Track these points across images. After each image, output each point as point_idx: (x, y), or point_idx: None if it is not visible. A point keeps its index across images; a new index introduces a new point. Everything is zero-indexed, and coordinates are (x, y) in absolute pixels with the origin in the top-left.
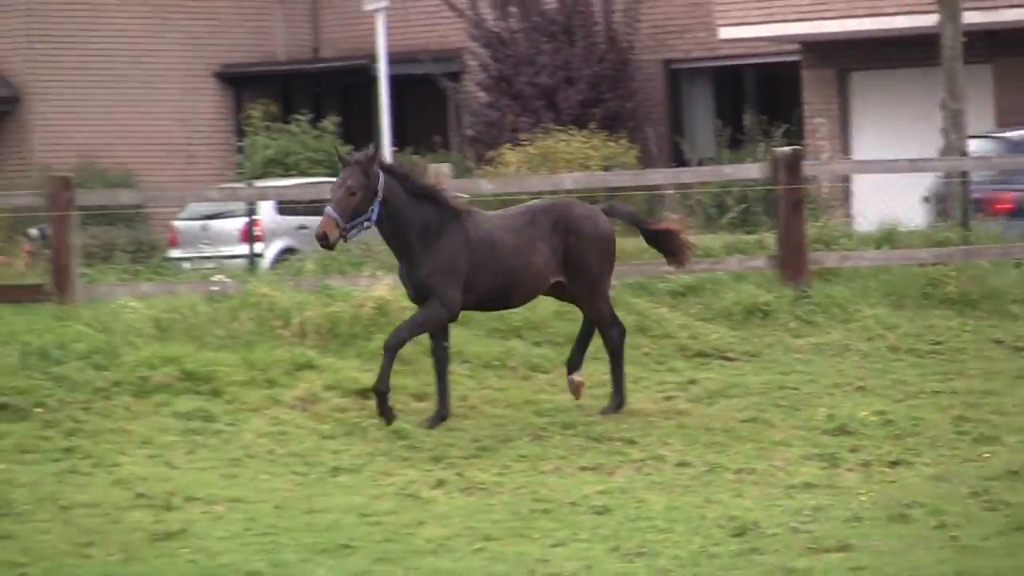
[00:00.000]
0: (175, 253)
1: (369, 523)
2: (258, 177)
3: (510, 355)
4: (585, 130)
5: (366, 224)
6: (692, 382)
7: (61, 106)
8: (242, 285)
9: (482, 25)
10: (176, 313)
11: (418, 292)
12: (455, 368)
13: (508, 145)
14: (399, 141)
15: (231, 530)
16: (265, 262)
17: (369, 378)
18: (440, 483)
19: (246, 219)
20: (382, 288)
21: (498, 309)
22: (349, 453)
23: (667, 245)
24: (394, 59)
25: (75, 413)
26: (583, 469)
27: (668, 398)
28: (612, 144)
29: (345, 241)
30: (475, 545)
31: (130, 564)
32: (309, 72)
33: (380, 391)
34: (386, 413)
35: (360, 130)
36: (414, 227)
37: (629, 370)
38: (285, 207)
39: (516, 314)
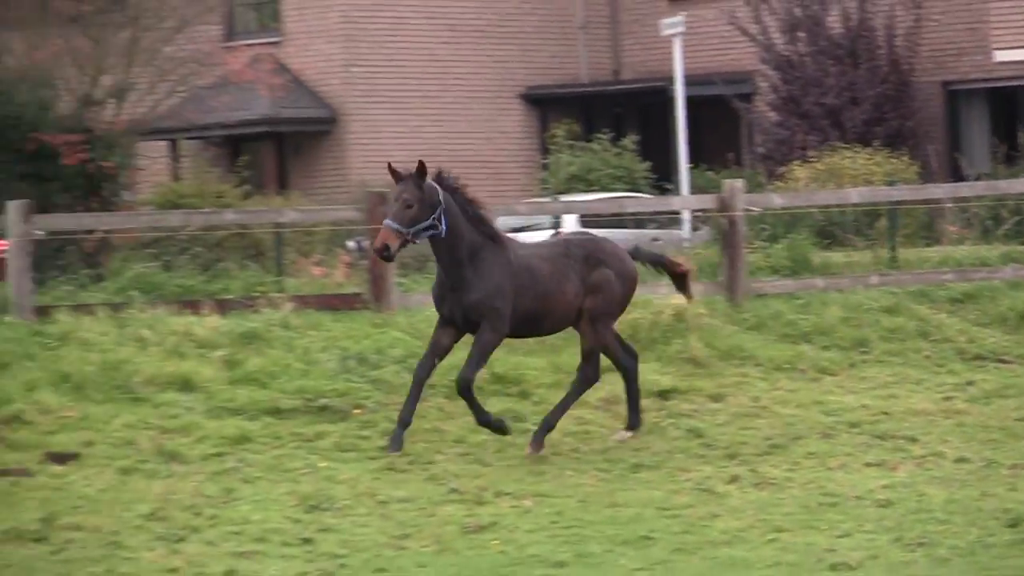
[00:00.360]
0: None
1: (668, 516)
2: (562, 192)
3: (800, 359)
4: (869, 148)
5: (432, 232)
6: (970, 383)
7: (376, 126)
8: None
9: (772, 49)
10: None
11: (467, 316)
12: (749, 371)
13: (797, 162)
14: (694, 158)
15: (538, 523)
16: None
17: (669, 380)
18: (734, 479)
19: (552, 232)
20: (679, 297)
21: (529, 336)
22: (649, 451)
23: (680, 285)
24: (690, 81)
25: (391, 414)
26: (868, 465)
27: (947, 398)
28: (894, 161)
29: (413, 243)
30: (767, 536)
31: (443, 555)
32: (610, 93)
33: (482, 422)
34: (495, 425)
35: (657, 148)
36: (466, 245)
37: (911, 372)
38: (587, 220)
39: (805, 320)
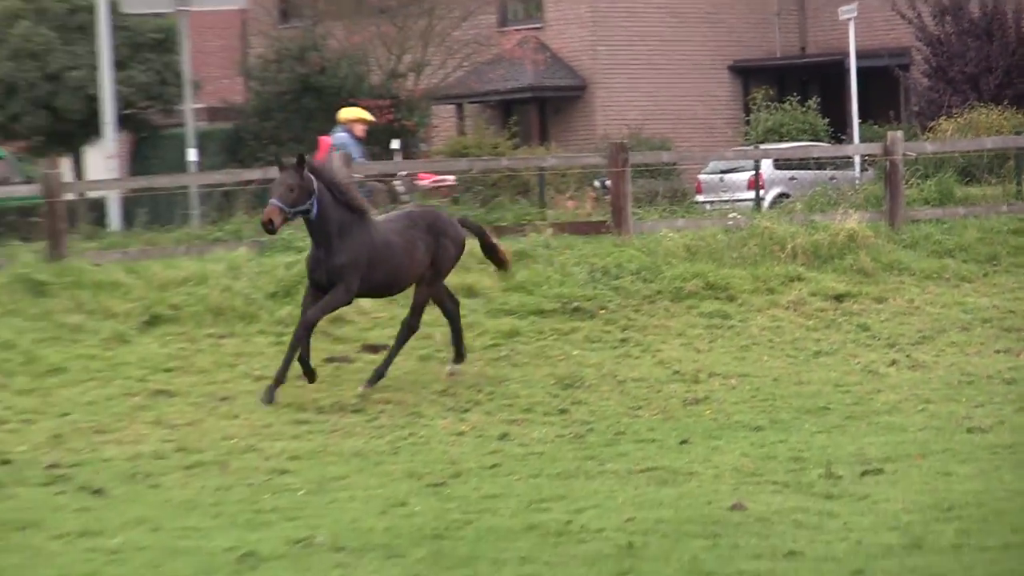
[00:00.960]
0: (700, 198)
1: (841, 391)
2: (760, 142)
3: (944, 269)
4: (1000, 106)
5: (306, 213)
6: None
7: (616, 93)
8: (750, 221)
9: (925, 30)
10: (701, 241)
11: (330, 278)
12: (905, 279)
13: (944, 118)
14: (863, 115)
15: (741, 396)
16: (765, 204)
17: (843, 287)
18: (893, 362)
19: (752, 173)
20: (851, 222)
21: (381, 297)
22: (827, 341)
23: (493, 257)
24: (860, 55)
25: (628, 314)
26: (997, 352)
27: None
28: (1020, 116)
29: (290, 219)
30: (918, 407)
31: (668, 422)
32: (798, 65)
33: (301, 359)
34: (308, 374)
35: (834, 108)
36: (335, 223)
37: None
38: (780, 163)
39: (949, 239)
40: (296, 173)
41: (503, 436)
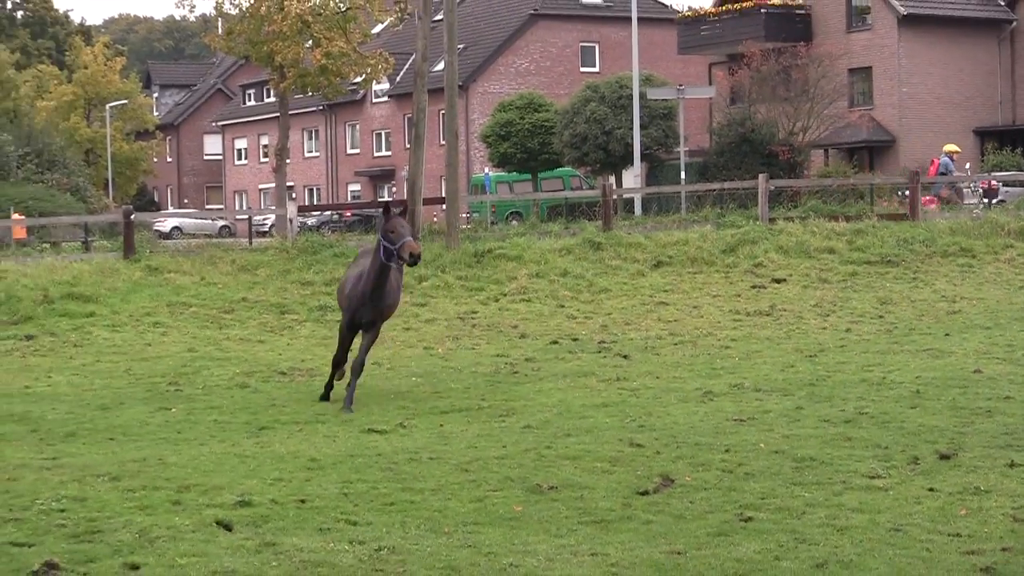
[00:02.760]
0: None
1: None
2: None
3: None
4: None
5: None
6: None
7: (911, 143)
8: (984, 214)
9: None
10: (958, 225)
11: (374, 318)
12: None
13: None
14: None
15: (979, 310)
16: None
17: None
18: None
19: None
20: None
21: None
22: None
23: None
24: None
25: (917, 263)
26: None
27: None
28: None
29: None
30: None
31: (936, 324)
32: (1012, 129)
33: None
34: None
35: None
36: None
37: None
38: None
39: None
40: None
41: (850, 327)
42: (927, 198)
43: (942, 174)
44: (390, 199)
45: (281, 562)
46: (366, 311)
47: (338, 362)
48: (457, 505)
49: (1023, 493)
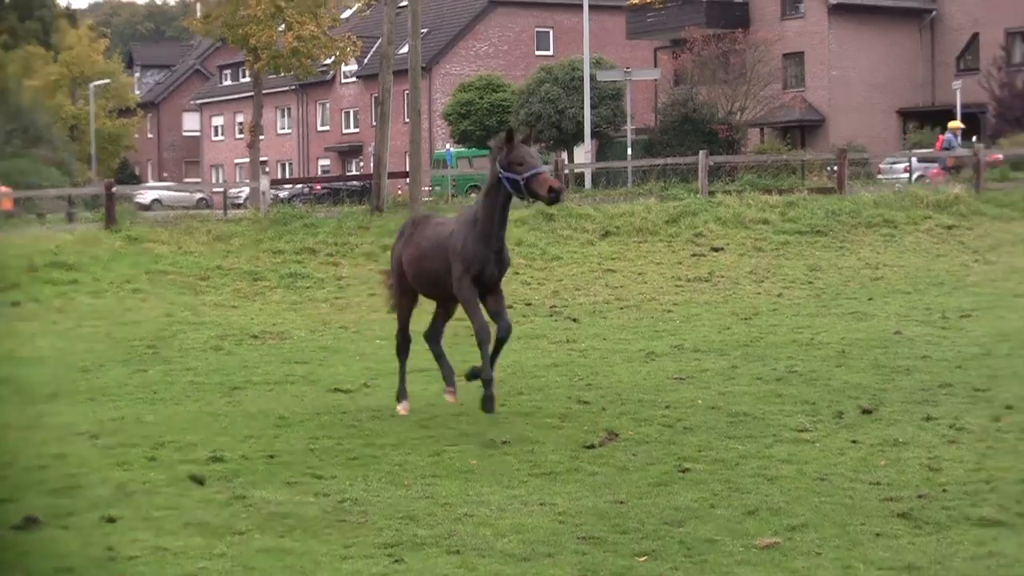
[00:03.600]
0: (880, 176)
1: (948, 275)
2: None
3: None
4: None
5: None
6: None
7: (840, 123)
8: (905, 188)
9: (993, 93)
10: (881, 198)
11: (501, 271)
12: (982, 218)
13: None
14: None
15: (900, 276)
16: (913, 179)
17: (951, 221)
18: (975, 261)
19: (907, 163)
20: (956, 189)
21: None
22: (942, 248)
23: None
24: (964, 106)
25: (843, 233)
26: None
27: None
28: None
29: None
30: (989, 287)
31: (861, 289)
32: (930, 111)
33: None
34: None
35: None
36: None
37: None
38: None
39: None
40: None
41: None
42: (934, 170)
43: (947, 149)
44: (509, 128)
45: (250, 514)
46: (492, 264)
47: (485, 328)
48: (416, 459)
49: (937, 444)
